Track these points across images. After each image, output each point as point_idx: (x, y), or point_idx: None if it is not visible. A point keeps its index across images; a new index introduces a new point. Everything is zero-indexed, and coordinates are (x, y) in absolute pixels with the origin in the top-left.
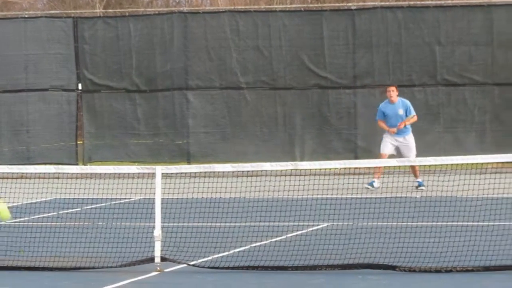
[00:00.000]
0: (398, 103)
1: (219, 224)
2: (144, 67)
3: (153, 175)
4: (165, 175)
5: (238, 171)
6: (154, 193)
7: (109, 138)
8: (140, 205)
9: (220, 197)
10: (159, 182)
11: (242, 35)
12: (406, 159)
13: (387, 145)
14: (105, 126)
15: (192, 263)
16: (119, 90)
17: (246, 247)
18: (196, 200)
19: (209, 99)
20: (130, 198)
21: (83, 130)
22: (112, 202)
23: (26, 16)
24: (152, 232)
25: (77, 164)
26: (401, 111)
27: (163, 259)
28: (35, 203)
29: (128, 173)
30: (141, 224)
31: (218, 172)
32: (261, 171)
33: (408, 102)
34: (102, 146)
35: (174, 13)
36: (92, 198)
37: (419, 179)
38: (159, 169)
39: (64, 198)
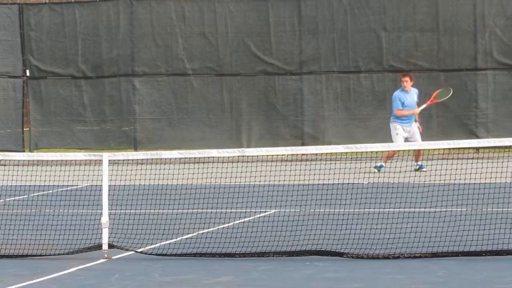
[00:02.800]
0: (413, 91)
1: (166, 211)
2: (90, 53)
3: (100, 162)
4: (112, 162)
5: (185, 158)
6: (101, 180)
7: (55, 125)
8: (87, 192)
9: (167, 184)
10: (106, 168)
11: (188, 21)
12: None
13: (401, 139)
14: (52, 113)
15: (139, 250)
16: (65, 76)
17: (194, 234)
18: (143, 186)
19: (156, 86)
20: (77, 185)
21: (29, 117)
22: (59, 189)
23: None
24: (100, 219)
25: (23, 151)
26: (416, 98)
27: (110, 246)
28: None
29: (75, 160)
30: (89, 211)
31: (165, 158)
32: (208, 157)
33: (417, 90)
34: (49, 133)
35: None
36: (39, 185)
37: (420, 162)
38: (106, 156)
39: (11, 185)
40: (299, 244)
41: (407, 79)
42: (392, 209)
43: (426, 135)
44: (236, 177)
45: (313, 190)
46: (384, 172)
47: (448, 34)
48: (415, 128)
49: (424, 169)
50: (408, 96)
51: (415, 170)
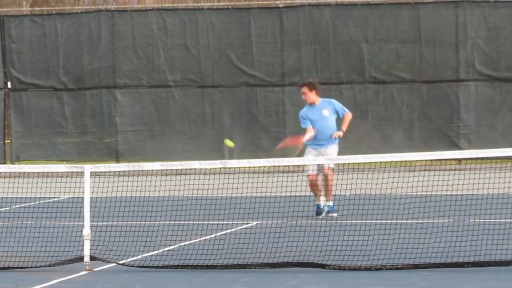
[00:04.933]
0: (320, 104)
1: (148, 222)
2: (72, 65)
3: (81, 174)
4: (93, 174)
5: (167, 170)
6: (83, 192)
7: (36, 137)
8: (68, 204)
9: (149, 196)
10: (87, 180)
11: (170, 33)
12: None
13: (311, 163)
14: (33, 125)
15: (121, 262)
16: (47, 88)
17: (176, 246)
18: (125, 198)
19: (137, 98)
20: (58, 197)
21: (10, 129)
22: (41, 201)
23: None
24: (81, 231)
25: (4, 163)
26: (326, 112)
27: (92, 258)
28: None
29: (57, 172)
30: (70, 223)
31: (147, 170)
32: (190, 169)
33: (333, 101)
34: (30, 145)
35: (101, 11)
36: (21, 197)
37: (331, 203)
38: (88, 168)
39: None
40: (281, 255)
41: (304, 90)
42: (374, 221)
43: (407, 146)
44: (218, 189)
45: (295, 202)
46: (366, 184)
47: (430, 45)
48: (331, 149)
49: (335, 214)
50: (315, 110)
51: (326, 212)
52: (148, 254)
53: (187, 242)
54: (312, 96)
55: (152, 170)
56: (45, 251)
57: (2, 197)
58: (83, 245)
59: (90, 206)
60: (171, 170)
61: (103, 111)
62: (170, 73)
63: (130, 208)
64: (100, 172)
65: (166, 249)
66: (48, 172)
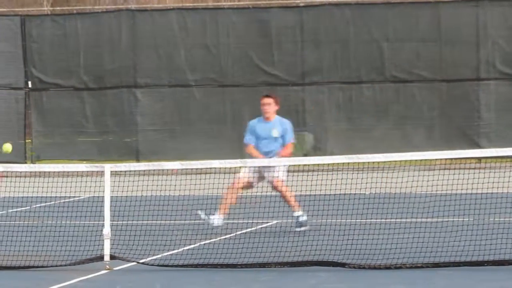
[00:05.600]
0: (275, 122)
1: (168, 222)
2: (92, 65)
3: (102, 173)
4: (114, 173)
5: (187, 169)
6: (103, 191)
7: (57, 136)
8: (89, 203)
9: (169, 195)
10: (108, 180)
11: (190, 33)
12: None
13: (246, 170)
14: (54, 125)
15: (141, 261)
16: (67, 88)
17: (196, 245)
18: (145, 198)
19: (158, 97)
20: (79, 196)
21: (31, 129)
22: (61, 201)
23: None
24: (102, 230)
25: (25, 163)
26: (275, 133)
27: (112, 257)
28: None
29: (77, 171)
30: (90, 222)
31: (167, 170)
32: (210, 168)
33: (288, 124)
34: (51, 145)
35: (121, 10)
36: (41, 197)
37: (299, 212)
38: (108, 167)
39: (13, 197)
40: (301, 254)
41: (269, 101)
42: (394, 219)
43: (428, 145)
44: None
45: (315, 201)
46: (386, 182)
47: (450, 44)
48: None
49: (304, 228)
50: (266, 127)
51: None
52: (168, 253)
53: (207, 241)
54: (273, 109)
55: (172, 169)
56: (66, 250)
57: (23, 196)
58: (103, 244)
59: (111, 205)
60: (191, 169)
61: (123, 111)
62: (191, 72)
63: (150, 207)
64: (120, 171)
65: (186, 248)
66: (68, 172)
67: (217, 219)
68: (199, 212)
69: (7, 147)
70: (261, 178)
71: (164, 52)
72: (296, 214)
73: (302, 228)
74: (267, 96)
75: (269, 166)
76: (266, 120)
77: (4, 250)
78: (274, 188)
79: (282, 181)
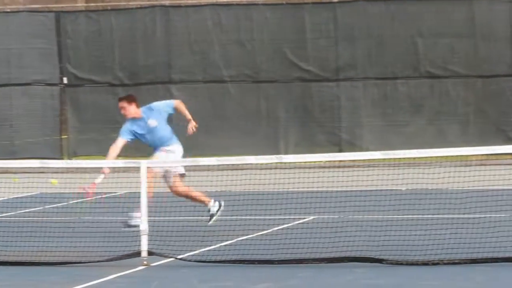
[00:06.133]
0: (144, 115)
1: (205, 218)
2: (127, 61)
3: (138, 169)
4: (149, 169)
5: (223, 165)
6: (140, 187)
7: (93, 132)
8: (126, 199)
9: (205, 191)
10: (144, 176)
11: (225, 29)
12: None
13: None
14: (89, 121)
15: (179, 257)
16: (102, 84)
17: (232, 241)
18: None
19: (193, 93)
20: (115, 192)
21: (67, 125)
22: (98, 196)
23: (8, 10)
24: (139, 226)
25: (61, 159)
26: (153, 122)
27: (150, 253)
28: (21, 197)
29: (114, 167)
30: (128, 218)
31: (203, 165)
32: (246, 164)
33: (153, 105)
34: (87, 141)
35: (156, 6)
36: (78, 193)
37: (211, 206)
38: (144, 163)
39: (50, 193)
40: (337, 250)
41: (123, 105)
42: (431, 215)
43: (463, 141)
44: (274, 184)
45: (351, 197)
46: (422, 178)
47: (485, 40)
48: (175, 151)
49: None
50: (141, 124)
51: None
52: (205, 249)
53: (244, 237)
54: (132, 109)
55: (208, 165)
56: (103, 246)
57: (60, 192)
58: (140, 240)
59: (147, 202)
60: (227, 165)
61: None
62: (225, 68)
63: (187, 203)
64: (156, 167)
65: (223, 244)
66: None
67: (212, 207)
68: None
69: (54, 181)
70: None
71: (199, 48)
72: (209, 208)
73: (213, 219)
74: (119, 100)
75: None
76: (136, 119)
77: (42, 246)
78: (174, 194)
79: (179, 186)
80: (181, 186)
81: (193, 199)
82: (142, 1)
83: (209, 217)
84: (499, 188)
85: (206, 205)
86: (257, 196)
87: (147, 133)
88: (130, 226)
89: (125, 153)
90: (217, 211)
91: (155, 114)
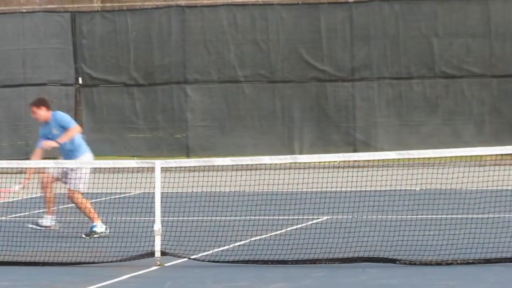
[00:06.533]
0: (51, 120)
1: (218, 218)
2: (142, 61)
3: (152, 169)
4: (164, 169)
5: (238, 165)
6: (154, 187)
7: (108, 132)
8: (139, 199)
9: (219, 191)
10: (158, 176)
11: (240, 29)
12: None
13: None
14: (104, 121)
15: (192, 257)
16: (117, 84)
17: (246, 241)
18: (195, 194)
19: (208, 93)
20: (129, 193)
21: (82, 125)
22: (112, 197)
23: (24, 10)
24: (152, 226)
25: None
26: (55, 130)
27: (163, 253)
28: (35, 197)
29: (128, 167)
30: (141, 218)
31: (217, 166)
32: (260, 164)
33: (60, 115)
34: (101, 141)
35: (171, 7)
36: (92, 193)
37: (98, 223)
38: (159, 163)
39: (64, 193)
40: (351, 250)
41: (33, 110)
42: (445, 216)
43: (478, 141)
44: (288, 184)
45: (365, 197)
46: (436, 178)
47: (500, 40)
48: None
49: (97, 234)
50: (48, 128)
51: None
52: (219, 249)
53: (257, 237)
54: (42, 113)
55: (222, 165)
56: (116, 246)
57: None
58: (154, 240)
59: (161, 202)
60: (242, 165)
61: (173, 107)
62: (240, 68)
63: (201, 203)
64: (171, 167)
65: (236, 244)
66: (119, 168)
67: (45, 220)
68: (29, 225)
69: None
70: (65, 176)
71: (214, 48)
72: (94, 224)
73: (92, 236)
74: (30, 106)
75: (71, 170)
76: (47, 123)
77: (55, 246)
78: (69, 198)
79: (79, 192)
80: (78, 196)
81: (83, 211)
82: (158, 1)
83: (89, 231)
84: None
85: (93, 221)
86: (271, 196)
87: (51, 138)
88: (38, 225)
89: (139, 153)
90: (101, 232)
91: (55, 123)
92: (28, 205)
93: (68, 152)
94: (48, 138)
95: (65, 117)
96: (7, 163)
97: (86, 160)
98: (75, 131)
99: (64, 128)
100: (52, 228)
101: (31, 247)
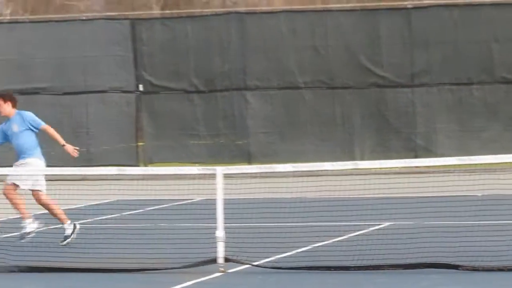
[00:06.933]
0: (13, 117)
1: (280, 224)
2: (202, 67)
3: (214, 176)
4: (226, 176)
5: (299, 171)
6: (216, 194)
7: (169, 139)
8: (201, 206)
9: (281, 197)
10: (220, 182)
11: (299, 35)
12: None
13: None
14: (165, 127)
15: (255, 263)
16: (178, 91)
17: (308, 247)
18: (257, 200)
19: (268, 99)
20: (191, 199)
21: (142, 132)
22: (174, 203)
23: (84, 18)
24: (214, 233)
25: (137, 166)
26: (15, 127)
27: (226, 260)
28: (98, 204)
29: (189, 174)
30: (203, 225)
31: (279, 172)
32: (321, 170)
33: (29, 115)
34: (163, 147)
35: (231, 13)
36: (154, 199)
37: (66, 226)
38: (220, 170)
39: (127, 200)
40: (413, 256)
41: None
42: (507, 221)
43: None
44: (349, 190)
45: (427, 203)
46: (498, 184)
47: None
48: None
49: (66, 241)
50: (9, 124)
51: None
52: (281, 255)
53: (319, 244)
54: (7, 108)
55: (284, 172)
56: (179, 252)
57: (137, 199)
58: (216, 247)
59: (223, 208)
60: (303, 171)
61: (234, 113)
62: (300, 74)
63: (262, 210)
64: (232, 174)
65: (299, 250)
66: (181, 174)
67: (28, 226)
68: (22, 241)
69: None
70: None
71: (273, 54)
72: (64, 227)
73: (66, 241)
74: None
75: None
76: (8, 119)
77: (118, 253)
78: (37, 201)
79: (43, 193)
80: (42, 198)
81: (51, 212)
82: (217, 8)
83: (63, 238)
84: None
85: (62, 223)
86: (333, 203)
87: (10, 136)
88: (25, 235)
89: (200, 159)
90: (72, 233)
91: (20, 121)
92: (92, 212)
93: (24, 151)
94: (5, 135)
95: (35, 117)
96: (70, 170)
97: (35, 163)
98: (52, 129)
99: (31, 126)
100: (36, 229)
101: (95, 254)
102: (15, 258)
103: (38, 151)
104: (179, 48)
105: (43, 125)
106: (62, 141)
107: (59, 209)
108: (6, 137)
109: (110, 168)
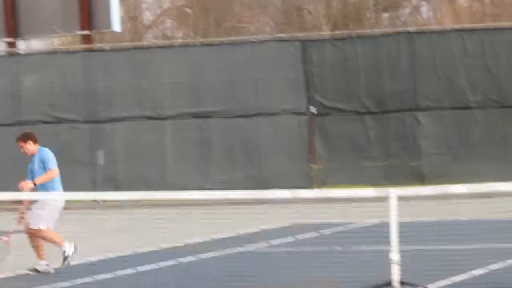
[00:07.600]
0: (36, 154)
1: (455, 246)
2: (373, 88)
3: (387, 198)
4: (400, 198)
5: (473, 193)
6: (389, 216)
7: (342, 161)
8: (376, 228)
9: (456, 219)
10: (394, 204)
11: (470, 54)
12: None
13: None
14: (337, 149)
15: (431, 286)
16: (349, 112)
17: (484, 270)
18: (432, 222)
19: (439, 119)
20: (365, 222)
21: (314, 153)
22: (348, 226)
23: (255, 40)
24: (388, 255)
25: (311, 188)
26: (35, 165)
27: (402, 283)
28: (273, 229)
29: (363, 197)
30: (378, 247)
31: (452, 193)
32: (496, 191)
33: (44, 152)
34: (335, 170)
35: (400, 33)
36: (329, 223)
37: (64, 247)
38: (394, 192)
39: (301, 223)
40: None
41: (20, 145)
42: None
43: None
44: None
45: None
46: None
47: None
48: (38, 207)
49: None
50: (32, 162)
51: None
52: (456, 278)
53: (495, 266)
54: (30, 147)
55: (458, 193)
56: (353, 275)
57: (312, 223)
58: (391, 270)
59: (397, 230)
60: (477, 193)
61: (406, 134)
62: (471, 94)
63: (437, 232)
64: (406, 196)
65: (475, 272)
66: (355, 197)
67: (67, 249)
68: (37, 268)
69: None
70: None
71: (444, 74)
72: (63, 249)
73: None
74: (17, 141)
75: (36, 208)
76: (34, 155)
77: (294, 276)
78: (27, 233)
79: (39, 229)
80: (41, 235)
81: (49, 241)
82: (386, 28)
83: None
84: None
85: (61, 246)
86: (509, 224)
87: (32, 171)
88: (39, 270)
89: (373, 181)
90: (71, 253)
91: (38, 159)
92: (266, 237)
93: (39, 187)
94: (32, 172)
95: (48, 155)
96: (244, 194)
97: (47, 205)
98: (53, 174)
99: (44, 166)
100: (46, 271)
101: (268, 279)
102: None
103: (52, 187)
104: (349, 69)
105: (48, 168)
106: (36, 180)
107: (54, 235)
108: (33, 175)
109: (284, 191)
